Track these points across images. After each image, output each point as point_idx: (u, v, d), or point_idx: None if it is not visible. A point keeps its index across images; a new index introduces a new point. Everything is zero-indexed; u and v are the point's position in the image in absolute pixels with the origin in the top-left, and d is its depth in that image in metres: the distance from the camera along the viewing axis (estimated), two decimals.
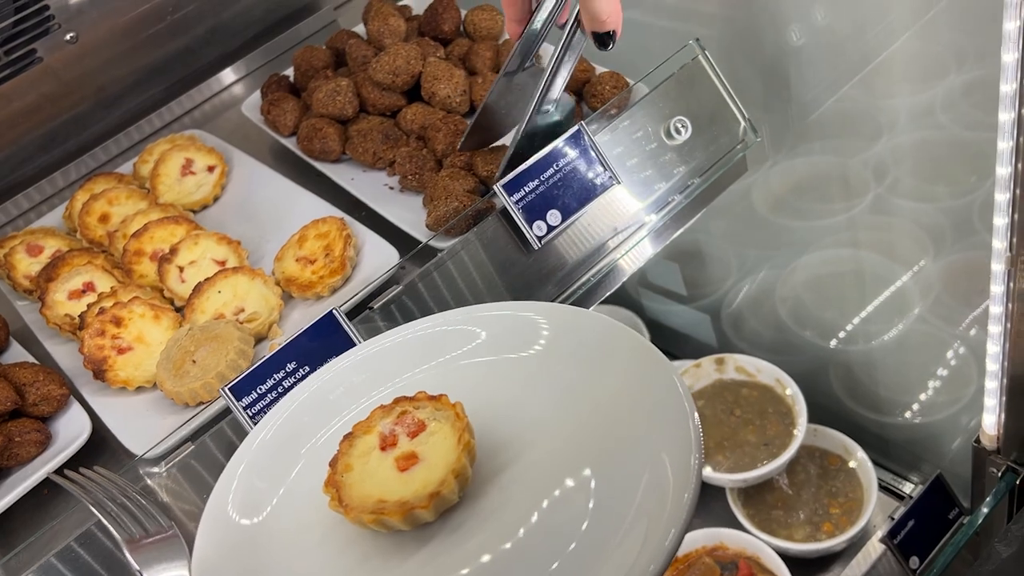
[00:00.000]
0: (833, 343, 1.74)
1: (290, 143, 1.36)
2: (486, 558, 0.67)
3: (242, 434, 0.93)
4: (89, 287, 1.16)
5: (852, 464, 1.61)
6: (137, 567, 0.75)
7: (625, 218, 1.20)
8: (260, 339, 1.09)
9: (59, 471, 0.86)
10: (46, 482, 1.00)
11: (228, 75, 1.66)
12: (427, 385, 0.79)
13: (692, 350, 1.81)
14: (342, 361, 0.87)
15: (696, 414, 0.68)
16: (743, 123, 1.23)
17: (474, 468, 0.73)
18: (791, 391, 1.64)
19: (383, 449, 0.73)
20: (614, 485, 0.68)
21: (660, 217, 1.23)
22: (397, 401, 0.77)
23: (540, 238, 1.06)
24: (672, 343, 1.96)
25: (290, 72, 1.47)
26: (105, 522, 0.78)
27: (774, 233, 1.85)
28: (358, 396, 0.84)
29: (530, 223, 1.05)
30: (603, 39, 0.99)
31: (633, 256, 1.25)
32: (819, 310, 1.78)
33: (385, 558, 0.70)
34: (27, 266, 1.23)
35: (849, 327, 1.75)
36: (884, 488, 1.63)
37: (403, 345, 0.87)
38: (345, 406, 0.84)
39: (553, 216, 1.06)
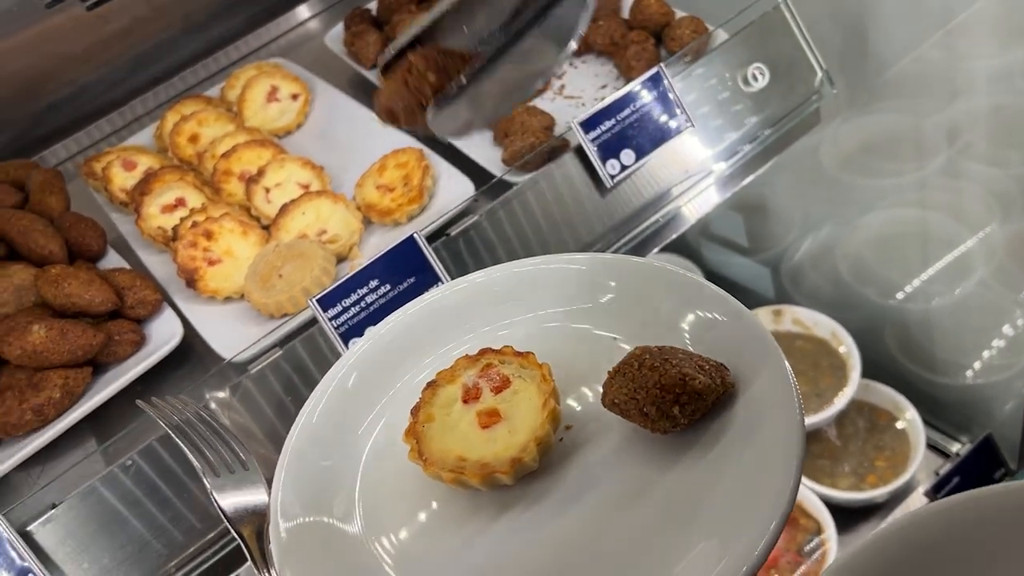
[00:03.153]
0: (892, 301, 1.75)
1: (372, 75, 1.40)
2: (567, 539, 0.63)
3: (325, 345, 1.00)
4: (181, 202, 1.22)
5: (901, 421, 1.63)
6: (216, 498, 0.74)
7: (695, 164, 1.22)
8: (340, 260, 1.15)
9: (147, 398, 0.87)
10: (140, 382, 1.08)
11: (307, 9, 1.70)
12: (515, 339, 0.75)
13: (749, 302, 1.81)
14: (430, 296, 0.82)
15: (799, 399, 0.62)
16: (820, 74, 1.23)
17: (557, 435, 0.69)
18: (846, 346, 1.66)
19: (466, 402, 0.71)
20: (708, 472, 0.62)
21: (729, 165, 1.25)
22: (483, 352, 0.74)
23: (613, 177, 1.09)
24: (729, 294, 1.98)
25: (372, 6, 1.51)
26: (187, 451, 0.78)
27: (841, 190, 1.85)
28: (443, 340, 0.79)
29: (604, 161, 1.08)
30: None
31: (699, 203, 1.27)
32: (881, 268, 1.78)
33: (462, 519, 0.67)
34: (123, 180, 1.30)
35: (910, 287, 1.76)
36: (932, 447, 1.65)
37: (499, 287, 0.80)
38: (430, 350, 0.79)
39: (627, 155, 1.09)
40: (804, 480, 1.56)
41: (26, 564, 0.83)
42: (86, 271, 1.09)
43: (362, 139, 1.30)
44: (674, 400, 0.63)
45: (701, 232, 2.00)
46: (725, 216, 1.94)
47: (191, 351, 1.12)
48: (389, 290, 0.97)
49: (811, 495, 1.52)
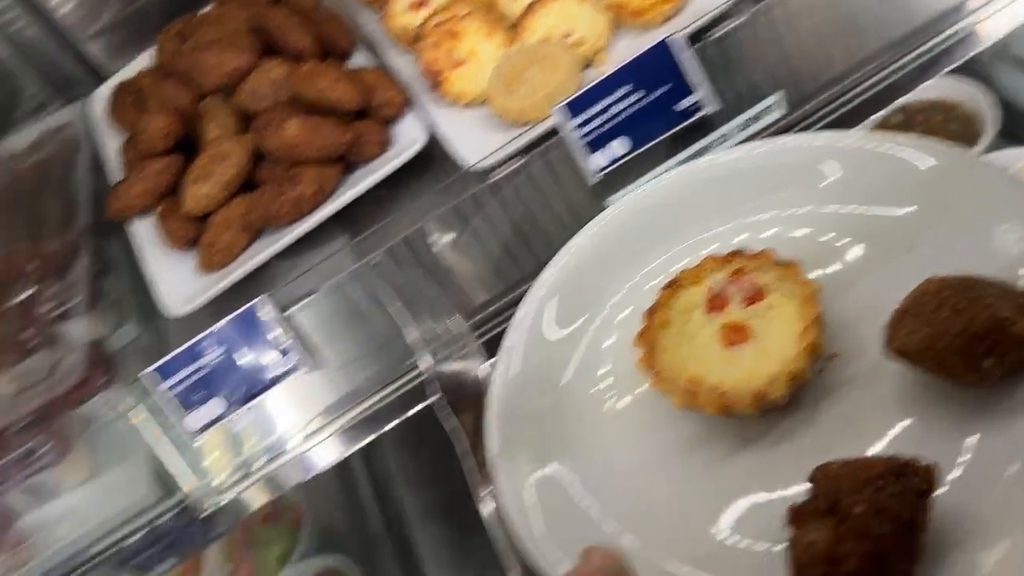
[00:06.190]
0: None
1: None
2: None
3: (566, 157, 0.95)
4: (425, 1, 1.19)
5: None
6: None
7: None
8: (586, 66, 1.08)
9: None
10: (384, 185, 1.09)
11: None
12: (779, 242, 0.63)
13: None
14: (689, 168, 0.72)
15: None
16: None
17: (815, 366, 0.58)
18: None
19: (709, 311, 0.62)
20: (1012, 445, 0.50)
21: None
22: (735, 255, 0.64)
23: None
24: None
25: None
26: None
27: None
28: (693, 231, 0.70)
29: None
30: None
31: (1003, 17, 1.06)
32: None
33: (689, 448, 0.59)
34: None
35: None
36: None
37: (776, 161, 0.68)
38: (676, 237, 0.70)
39: None
40: None
41: (290, 342, 0.88)
42: (335, 69, 1.10)
43: None
44: (986, 351, 0.49)
45: (996, 52, 1.71)
46: None
47: (432, 156, 1.11)
48: (641, 98, 0.90)
49: None
